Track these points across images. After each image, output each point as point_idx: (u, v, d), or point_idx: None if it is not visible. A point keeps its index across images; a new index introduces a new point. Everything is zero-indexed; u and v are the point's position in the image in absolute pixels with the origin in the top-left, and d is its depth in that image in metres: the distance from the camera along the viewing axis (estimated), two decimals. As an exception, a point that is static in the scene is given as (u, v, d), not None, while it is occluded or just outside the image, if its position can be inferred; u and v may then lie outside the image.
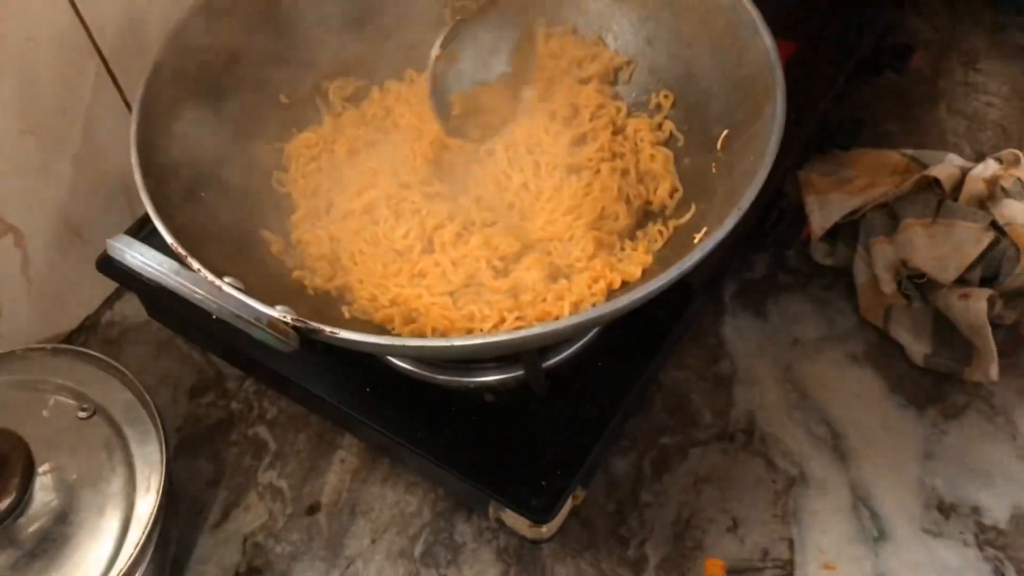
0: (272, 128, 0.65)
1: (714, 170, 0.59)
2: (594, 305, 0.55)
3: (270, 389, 0.74)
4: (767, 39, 0.55)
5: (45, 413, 0.62)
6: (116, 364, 0.64)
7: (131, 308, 0.79)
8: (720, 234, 0.48)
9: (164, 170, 0.55)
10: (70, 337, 0.78)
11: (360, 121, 0.66)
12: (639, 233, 0.61)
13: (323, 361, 0.64)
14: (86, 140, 0.71)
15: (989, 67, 0.91)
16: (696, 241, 0.53)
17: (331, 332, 0.45)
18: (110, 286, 0.79)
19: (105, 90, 0.70)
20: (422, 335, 0.55)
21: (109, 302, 0.80)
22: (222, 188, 0.59)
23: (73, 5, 0.65)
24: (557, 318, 0.54)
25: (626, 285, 0.56)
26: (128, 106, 0.72)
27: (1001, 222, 0.71)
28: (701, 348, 0.74)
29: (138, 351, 0.77)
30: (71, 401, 0.62)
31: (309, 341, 0.47)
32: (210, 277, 0.46)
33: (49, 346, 0.66)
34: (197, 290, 0.42)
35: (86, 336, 0.78)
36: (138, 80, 0.57)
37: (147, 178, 0.51)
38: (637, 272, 0.56)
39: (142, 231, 0.59)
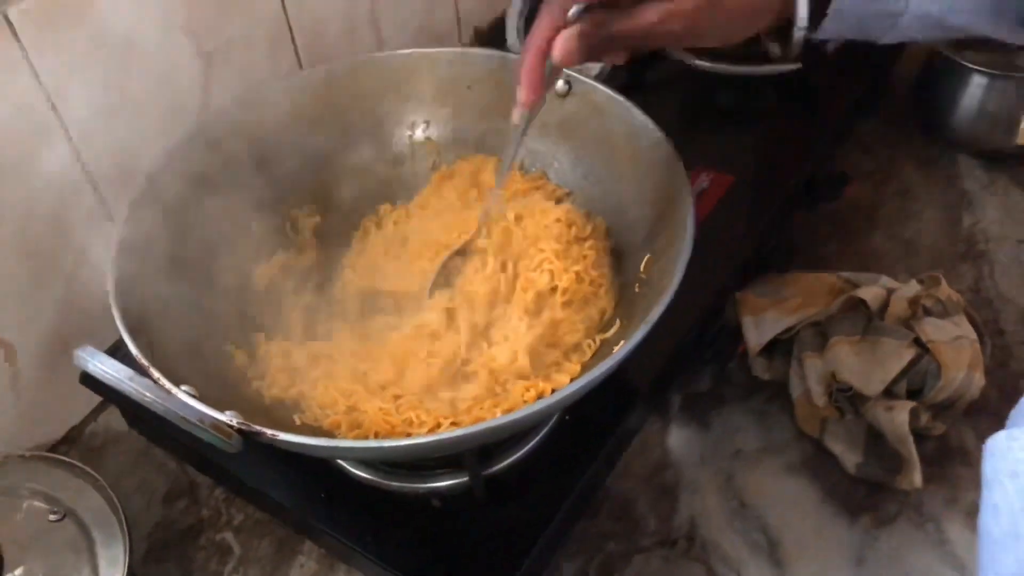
0: (244, 251, 0.71)
1: (637, 290, 0.64)
2: (524, 411, 0.60)
3: (238, 497, 0.78)
4: (682, 177, 0.62)
5: (18, 517, 0.66)
6: (89, 470, 0.69)
7: (114, 420, 0.84)
8: (629, 347, 0.53)
9: (138, 287, 0.61)
10: (55, 446, 0.82)
11: (325, 252, 0.72)
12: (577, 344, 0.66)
13: (284, 469, 0.68)
14: (78, 262, 0.77)
15: (923, 196, 0.97)
16: (615, 351, 0.58)
17: (272, 434, 0.50)
18: (95, 398, 0.84)
19: (97, 218, 0.77)
20: (365, 439, 0.59)
21: (94, 413, 0.85)
22: (193, 306, 0.65)
23: (71, 143, 0.72)
24: (489, 424, 0.59)
25: (555, 392, 0.61)
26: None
27: (924, 339, 0.75)
28: (648, 458, 0.78)
29: (117, 460, 0.81)
30: (43, 505, 0.67)
31: (258, 444, 0.52)
32: (167, 385, 0.51)
33: (27, 454, 0.71)
34: (147, 394, 0.48)
35: (70, 445, 0.83)
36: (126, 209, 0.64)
37: (121, 300, 0.57)
38: (566, 381, 0.61)
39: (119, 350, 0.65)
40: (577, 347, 0.64)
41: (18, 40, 0.66)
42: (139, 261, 0.61)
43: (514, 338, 0.63)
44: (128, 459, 0.82)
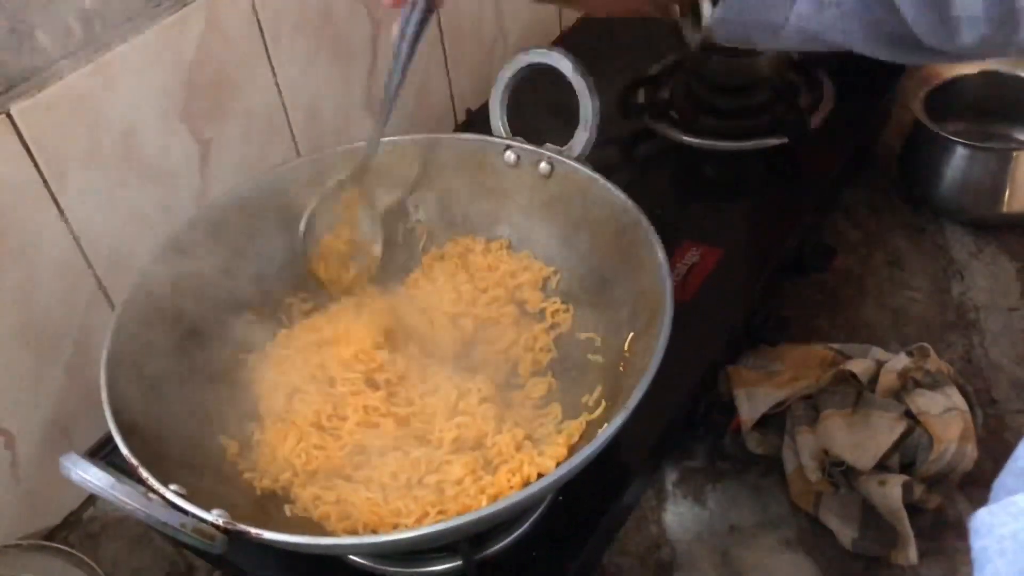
0: (237, 340, 0.72)
1: (622, 369, 0.65)
2: (508, 498, 0.60)
3: (234, 582, 0.78)
4: (660, 255, 0.63)
5: (15, 608, 0.66)
6: (87, 560, 0.69)
7: (111, 505, 0.84)
8: (610, 430, 0.54)
9: (133, 381, 0.62)
10: (53, 531, 0.82)
11: (312, 334, 0.73)
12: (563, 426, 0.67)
13: (280, 556, 0.68)
14: (78, 349, 0.78)
15: (911, 265, 0.98)
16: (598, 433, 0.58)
17: (256, 533, 0.50)
18: (93, 484, 0.85)
19: (97, 304, 0.78)
20: (354, 531, 0.60)
21: (92, 498, 0.85)
22: (187, 396, 0.66)
23: (72, 233, 0.74)
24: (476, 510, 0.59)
25: (542, 477, 0.62)
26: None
27: (914, 411, 0.76)
28: (643, 535, 0.78)
29: (115, 545, 0.81)
30: (41, 595, 0.67)
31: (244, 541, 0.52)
32: (155, 485, 0.52)
33: (25, 543, 0.71)
34: (128, 502, 0.49)
35: (68, 531, 0.82)
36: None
37: (113, 397, 0.58)
38: (552, 465, 0.62)
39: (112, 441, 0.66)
40: (562, 429, 0.65)
41: (17, 132, 0.68)
42: (134, 354, 0.63)
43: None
44: (126, 544, 0.82)
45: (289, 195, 0.76)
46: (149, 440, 0.59)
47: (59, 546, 0.72)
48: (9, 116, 0.67)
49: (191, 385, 0.67)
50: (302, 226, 0.75)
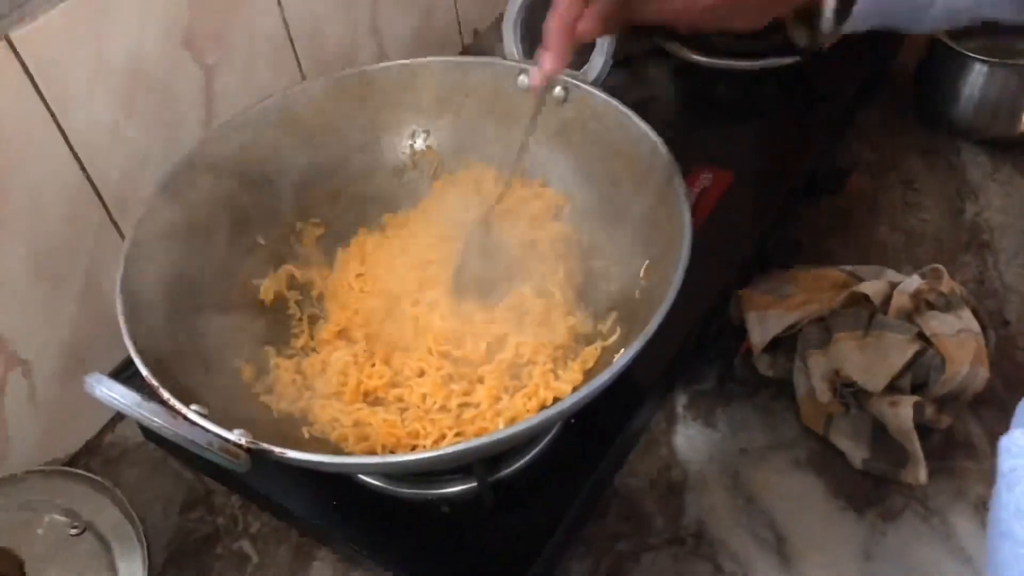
0: (250, 266, 0.72)
1: (637, 296, 0.65)
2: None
3: (253, 504, 0.79)
4: (679, 184, 0.62)
5: (40, 531, 0.68)
6: (107, 484, 0.70)
7: (130, 430, 0.85)
8: (627, 357, 0.54)
9: (147, 306, 0.62)
10: (74, 458, 0.84)
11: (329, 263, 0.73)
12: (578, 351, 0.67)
13: (296, 478, 0.69)
14: (89, 279, 0.78)
15: (925, 186, 0.97)
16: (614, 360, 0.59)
17: (280, 452, 0.51)
18: (110, 410, 0.85)
19: (107, 234, 0.78)
20: (372, 452, 0.61)
21: (111, 425, 0.86)
22: (201, 321, 0.66)
23: (79, 162, 0.73)
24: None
25: (558, 401, 0.62)
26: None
27: (927, 333, 0.76)
28: (654, 457, 0.79)
29: (134, 470, 0.83)
30: (63, 519, 0.68)
31: (265, 461, 0.53)
32: (177, 405, 0.53)
33: (47, 468, 0.72)
34: (155, 420, 0.49)
35: (88, 457, 0.84)
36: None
37: (130, 321, 0.58)
38: (568, 390, 0.62)
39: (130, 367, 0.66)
40: (578, 354, 0.65)
41: (21, 61, 0.67)
42: (147, 281, 0.63)
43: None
44: (145, 469, 0.83)
45: (299, 118, 0.75)
46: (166, 365, 0.59)
47: (81, 472, 0.73)
48: (9, 41, 0.66)
49: (204, 310, 0.67)
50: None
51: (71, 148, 0.73)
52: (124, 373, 0.75)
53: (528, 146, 0.66)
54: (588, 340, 0.66)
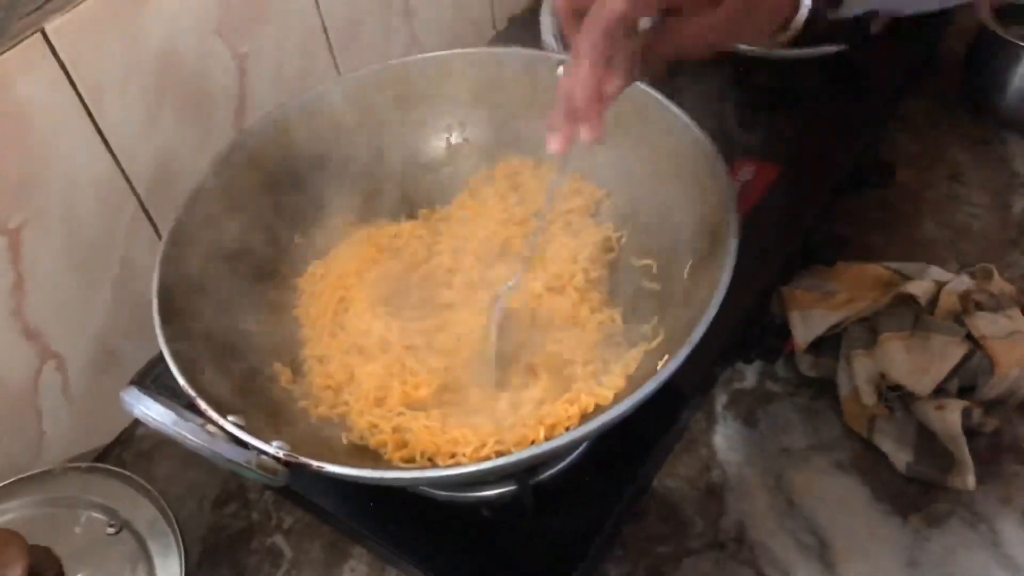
0: (286, 265, 0.71)
1: (680, 298, 0.64)
2: (567, 429, 0.60)
3: (287, 500, 0.79)
4: (725, 180, 0.60)
5: (77, 529, 0.68)
6: (143, 482, 0.70)
7: (163, 423, 0.85)
8: (673, 365, 0.53)
9: (183, 308, 0.61)
10: (107, 450, 0.84)
11: (357, 250, 0.72)
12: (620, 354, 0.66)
13: (336, 480, 0.68)
14: (123, 270, 0.78)
15: (972, 179, 0.95)
16: (658, 368, 0.57)
17: (318, 466, 0.50)
18: (144, 402, 0.85)
19: (141, 225, 0.78)
20: (411, 460, 0.60)
21: (142, 419, 0.86)
22: (237, 322, 0.65)
23: (112, 154, 0.73)
24: (533, 441, 0.59)
25: (599, 408, 0.61)
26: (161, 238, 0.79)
27: (975, 335, 0.74)
28: (694, 457, 0.77)
29: (168, 463, 0.83)
30: (101, 517, 0.68)
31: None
32: (214, 416, 0.52)
33: (84, 465, 0.72)
34: (192, 439, 0.48)
35: (121, 449, 0.84)
36: (169, 216, 0.65)
37: (166, 324, 0.57)
38: (610, 396, 0.61)
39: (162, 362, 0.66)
40: (620, 358, 0.64)
41: (55, 53, 0.66)
42: (182, 281, 0.62)
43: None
44: (177, 462, 0.83)
45: (335, 113, 0.74)
46: (202, 369, 0.58)
47: (113, 468, 0.73)
48: (44, 35, 0.65)
49: (241, 311, 0.66)
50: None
51: (104, 140, 0.72)
52: (156, 369, 0.75)
53: (545, 220, 0.64)
54: (631, 342, 0.64)
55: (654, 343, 0.63)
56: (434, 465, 0.59)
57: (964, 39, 1.01)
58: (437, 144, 0.77)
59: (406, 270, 0.72)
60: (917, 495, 0.73)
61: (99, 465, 0.73)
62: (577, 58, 0.50)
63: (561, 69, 0.72)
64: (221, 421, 0.51)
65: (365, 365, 0.65)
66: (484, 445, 0.59)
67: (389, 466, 0.60)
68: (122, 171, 0.74)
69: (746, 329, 0.79)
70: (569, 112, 0.52)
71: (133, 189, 0.76)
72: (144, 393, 0.49)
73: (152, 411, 0.48)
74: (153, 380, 0.75)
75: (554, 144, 0.53)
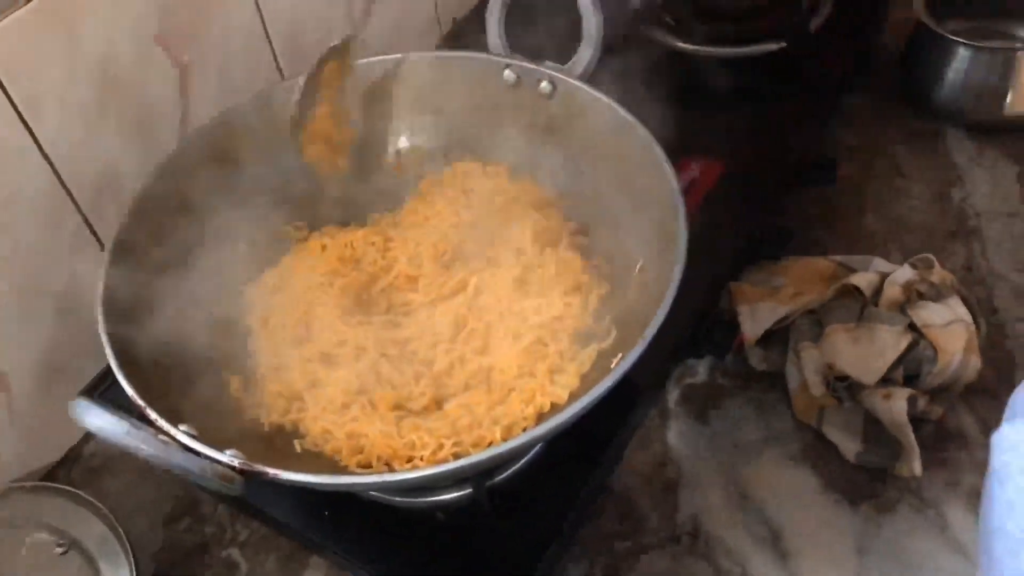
0: (234, 272, 0.70)
1: (632, 297, 0.64)
2: (525, 429, 0.60)
3: (242, 513, 0.78)
4: (672, 181, 0.61)
5: (24, 551, 0.66)
6: (91, 499, 0.69)
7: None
8: (627, 363, 0.53)
9: (130, 320, 0.60)
10: (54, 469, 0.82)
11: (317, 260, 0.71)
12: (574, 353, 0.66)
13: (288, 489, 0.68)
14: (68, 286, 0.76)
15: (912, 172, 0.97)
16: (612, 366, 0.58)
17: (273, 474, 0.49)
18: (91, 419, 0.84)
19: (83, 239, 0.76)
20: (368, 465, 0.59)
21: (91, 434, 0.84)
22: (186, 333, 0.64)
23: (51, 166, 0.71)
24: (490, 443, 0.59)
25: (555, 407, 0.61)
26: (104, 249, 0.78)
27: (918, 324, 0.76)
28: (648, 454, 0.78)
29: (118, 481, 0.81)
30: (49, 537, 0.67)
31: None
32: (165, 426, 0.51)
33: (29, 484, 0.70)
34: (146, 448, 0.47)
35: (69, 468, 0.82)
36: (114, 228, 0.63)
37: (112, 335, 0.56)
38: (565, 396, 0.61)
39: (109, 376, 0.64)
40: (574, 357, 0.64)
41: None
42: (128, 294, 0.61)
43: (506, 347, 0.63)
44: (128, 479, 0.81)
45: (280, 118, 0.73)
46: (149, 379, 0.57)
47: (60, 486, 0.71)
48: (-23, 44, 0.64)
49: (188, 321, 0.65)
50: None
51: (43, 152, 0.70)
52: (104, 383, 0.74)
53: None
54: (585, 341, 0.65)
55: (607, 342, 0.63)
56: (391, 470, 0.59)
57: (900, 35, 1.03)
58: (385, 149, 0.77)
59: (367, 279, 0.72)
60: (866, 483, 0.74)
61: (45, 484, 0.71)
62: None
63: (508, 73, 0.72)
64: (173, 431, 0.50)
65: (332, 372, 0.64)
66: (441, 448, 0.58)
67: (345, 472, 0.60)
68: (62, 183, 0.73)
69: (696, 325, 0.79)
70: None
71: (75, 201, 0.74)
72: (94, 404, 0.48)
73: (103, 421, 0.47)
74: (101, 394, 0.74)
75: None
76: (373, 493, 0.66)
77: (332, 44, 0.71)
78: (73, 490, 0.70)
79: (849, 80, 0.99)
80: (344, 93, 0.73)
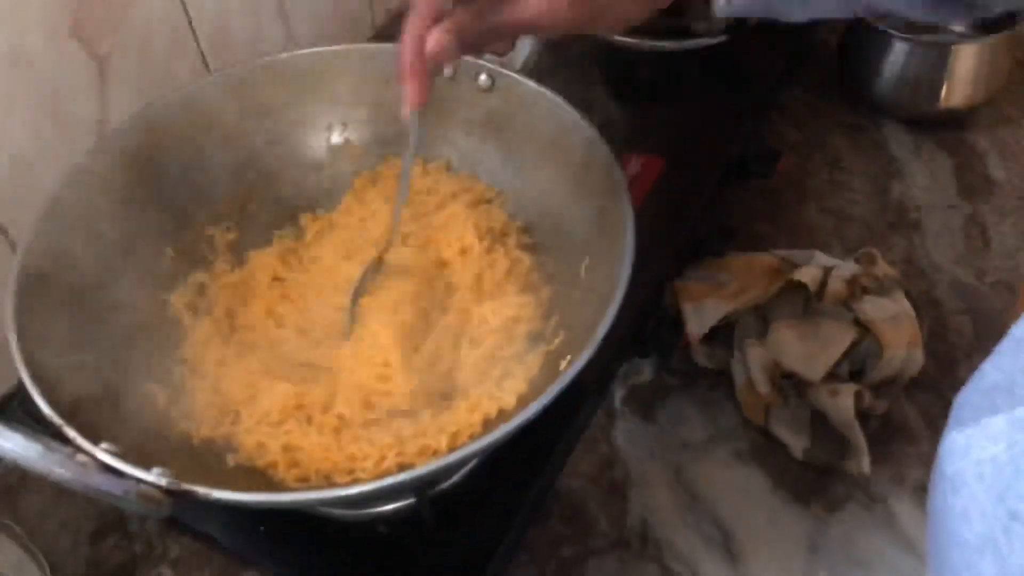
0: (157, 279, 0.66)
1: (579, 297, 0.62)
2: (471, 436, 0.57)
3: (172, 528, 0.74)
4: (617, 176, 0.59)
5: (-68, 580, 0.61)
6: (5, 521, 0.64)
7: (31, 454, 0.79)
8: (576, 367, 0.51)
9: (43, 331, 0.56)
10: (-36, 491, 0.77)
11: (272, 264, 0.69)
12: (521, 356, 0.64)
13: (223, 506, 0.64)
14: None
15: (851, 165, 0.97)
16: (561, 369, 0.56)
17: (205, 493, 0.46)
18: (6, 436, 0.79)
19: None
20: (305, 479, 0.56)
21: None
22: (105, 344, 0.60)
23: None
24: (436, 452, 0.56)
25: (502, 413, 0.59)
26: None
27: (863, 319, 0.75)
28: (595, 456, 0.76)
29: (36, 499, 0.76)
30: (-42, 564, 0.62)
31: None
32: (85, 445, 0.47)
33: (-64, 508, 0.66)
34: (62, 472, 0.44)
35: (-19, 487, 0.78)
36: (26, 230, 0.59)
37: (24, 348, 0.52)
38: (512, 401, 0.59)
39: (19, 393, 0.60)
40: (521, 360, 0.62)
41: None
42: (42, 302, 0.57)
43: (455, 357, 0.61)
44: (48, 497, 0.76)
45: (205, 114, 0.69)
46: (65, 395, 0.53)
47: (-26, 507, 0.67)
48: None
49: (107, 331, 0.61)
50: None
51: (-52, 148, 0.66)
52: (13, 400, 0.69)
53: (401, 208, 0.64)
54: (530, 344, 0.63)
55: (554, 343, 0.61)
56: (331, 484, 0.56)
57: (838, 29, 1.03)
58: (317, 144, 0.73)
59: (313, 284, 0.69)
60: (815, 481, 0.74)
61: (-46, 506, 0.67)
62: (412, 11, 0.52)
63: (448, 70, 0.70)
64: (93, 450, 0.47)
65: (275, 384, 0.61)
66: (384, 459, 0.56)
67: (282, 487, 0.57)
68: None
69: (641, 323, 0.78)
70: (398, 70, 0.53)
71: (-17, 204, 0.70)
72: (3, 424, 0.44)
73: (11, 443, 0.44)
74: (12, 411, 0.69)
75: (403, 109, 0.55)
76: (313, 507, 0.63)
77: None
78: (-16, 511, 0.65)
79: (788, 74, 0.98)
80: None
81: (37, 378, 0.52)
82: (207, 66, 0.84)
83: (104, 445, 0.48)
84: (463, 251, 0.66)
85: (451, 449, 0.56)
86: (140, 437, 0.55)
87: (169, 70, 0.80)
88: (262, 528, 0.64)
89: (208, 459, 0.58)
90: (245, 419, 0.59)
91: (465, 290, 0.65)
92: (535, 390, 0.59)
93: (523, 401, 0.58)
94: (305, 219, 0.72)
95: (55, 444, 0.46)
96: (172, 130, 0.68)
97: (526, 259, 0.67)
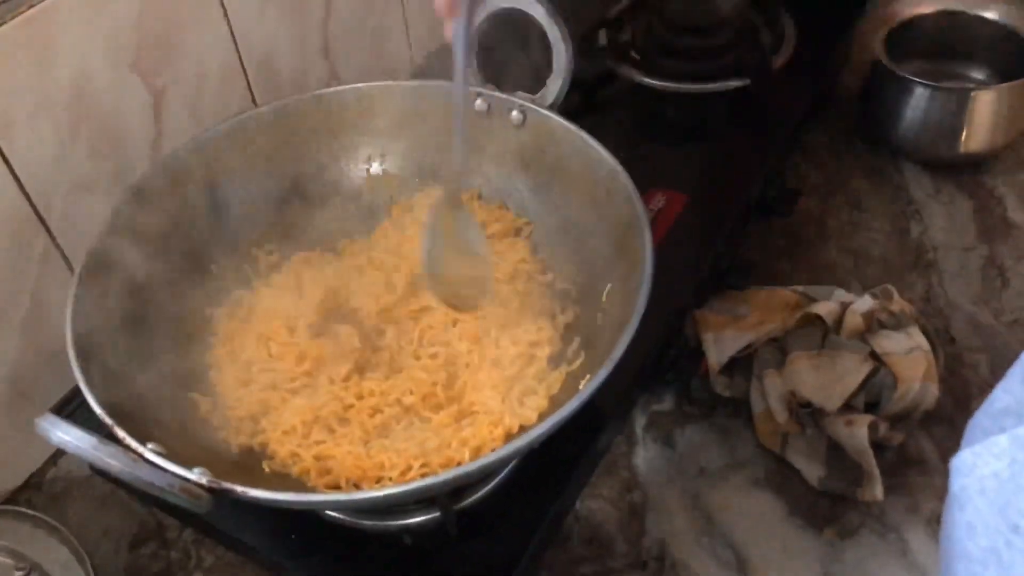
0: (203, 294, 0.70)
1: (600, 321, 0.65)
2: (493, 450, 0.60)
3: (207, 538, 0.77)
4: (640, 209, 0.62)
5: (-18, 574, 0.65)
6: (54, 522, 0.68)
7: (75, 464, 0.82)
8: (595, 383, 0.54)
9: (98, 342, 0.60)
10: (14, 494, 0.81)
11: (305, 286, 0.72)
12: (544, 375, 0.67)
13: (253, 511, 0.68)
14: (33, 307, 0.76)
15: (871, 206, 1.00)
16: (581, 387, 0.58)
17: (242, 491, 0.49)
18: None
19: (52, 260, 0.76)
20: (336, 486, 0.59)
21: (53, 459, 0.83)
22: (154, 354, 0.64)
23: (20, 186, 0.71)
24: (459, 464, 0.59)
25: (523, 429, 0.62)
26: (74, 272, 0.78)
27: (879, 352, 0.77)
28: (615, 479, 0.79)
29: (82, 505, 0.80)
30: (8, 560, 0.66)
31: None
32: (133, 444, 0.51)
33: (-10, 508, 0.69)
34: (114, 463, 0.47)
35: (31, 493, 0.81)
36: (83, 250, 0.63)
37: (80, 354, 0.56)
38: (533, 417, 0.62)
39: (75, 399, 0.64)
40: (543, 379, 0.65)
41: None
42: (98, 315, 0.61)
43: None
44: (92, 504, 0.80)
45: (253, 143, 0.74)
46: (119, 401, 0.57)
47: (22, 509, 0.70)
48: (-49, 65, 0.64)
49: (158, 342, 0.65)
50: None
51: (13, 173, 0.70)
52: (68, 406, 0.73)
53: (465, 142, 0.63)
54: (553, 364, 0.66)
55: (575, 364, 0.64)
56: (360, 490, 0.59)
57: (859, 74, 1.06)
58: (357, 174, 0.78)
59: (346, 305, 0.72)
60: (829, 508, 0.76)
61: (5, 507, 0.70)
62: None
63: (479, 102, 0.74)
64: (141, 449, 0.50)
65: (292, 399, 0.65)
66: (410, 468, 0.59)
67: (313, 492, 0.60)
68: (32, 204, 0.73)
69: (662, 352, 0.81)
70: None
71: (44, 223, 0.74)
72: (62, 419, 0.48)
73: (71, 436, 0.47)
74: (68, 416, 0.73)
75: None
76: (341, 516, 0.66)
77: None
78: (35, 514, 0.69)
79: (810, 117, 1.01)
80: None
81: (92, 384, 0.55)
82: (254, 100, 0.89)
83: (151, 446, 0.52)
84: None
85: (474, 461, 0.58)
86: (183, 442, 0.58)
87: (220, 103, 0.85)
88: (294, 536, 0.66)
89: (245, 465, 0.61)
90: (270, 430, 0.62)
91: (487, 316, 0.68)
92: (556, 408, 0.62)
93: (544, 418, 0.61)
94: (344, 244, 0.76)
95: (107, 440, 0.50)
96: (221, 157, 0.72)
97: (546, 285, 0.70)
